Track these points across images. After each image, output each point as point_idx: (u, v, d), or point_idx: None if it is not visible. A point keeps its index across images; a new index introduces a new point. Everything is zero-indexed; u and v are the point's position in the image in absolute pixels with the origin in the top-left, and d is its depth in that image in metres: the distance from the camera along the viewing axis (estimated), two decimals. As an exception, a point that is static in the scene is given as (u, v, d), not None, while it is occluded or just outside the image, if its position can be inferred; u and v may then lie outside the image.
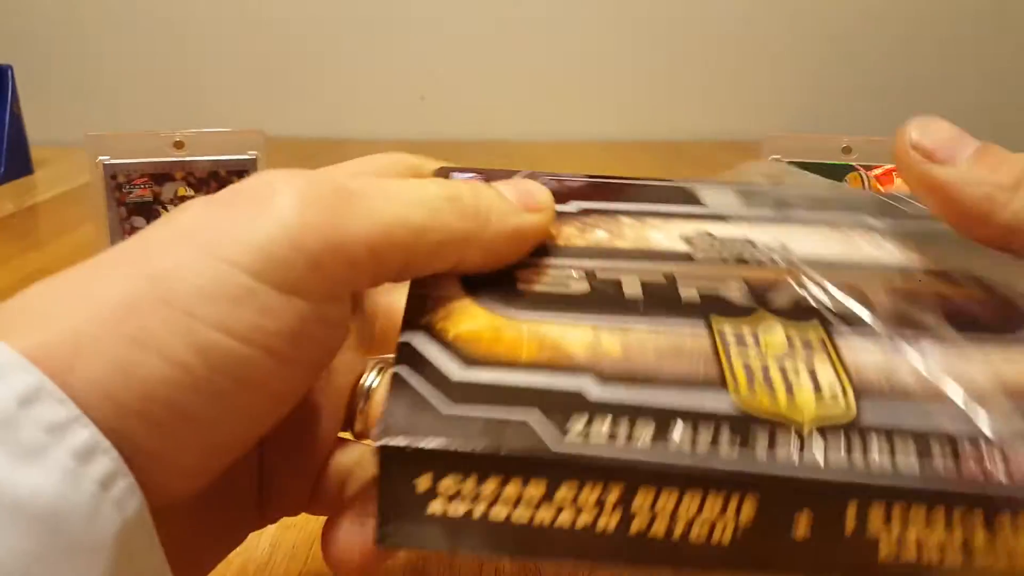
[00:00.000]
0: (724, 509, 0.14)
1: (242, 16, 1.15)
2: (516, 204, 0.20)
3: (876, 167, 0.40)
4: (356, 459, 0.23)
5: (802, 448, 0.15)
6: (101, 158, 0.37)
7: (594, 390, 0.16)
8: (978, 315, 0.18)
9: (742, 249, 0.20)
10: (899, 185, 0.41)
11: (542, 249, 0.20)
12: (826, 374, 0.16)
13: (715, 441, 0.15)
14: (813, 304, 0.18)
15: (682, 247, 0.20)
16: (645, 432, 0.15)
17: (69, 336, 0.15)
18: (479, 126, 1.19)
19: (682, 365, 0.16)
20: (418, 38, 1.17)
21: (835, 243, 0.20)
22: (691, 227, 0.21)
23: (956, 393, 0.16)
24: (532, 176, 0.23)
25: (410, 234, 0.17)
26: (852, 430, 0.15)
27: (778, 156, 0.41)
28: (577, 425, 0.15)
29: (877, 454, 0.14)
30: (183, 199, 0.39)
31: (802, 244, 0.20)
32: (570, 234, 0.21)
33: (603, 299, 0.18)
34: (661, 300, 0.18)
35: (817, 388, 0.16)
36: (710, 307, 0.18)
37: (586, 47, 1.20)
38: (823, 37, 1.22)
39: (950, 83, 1.25)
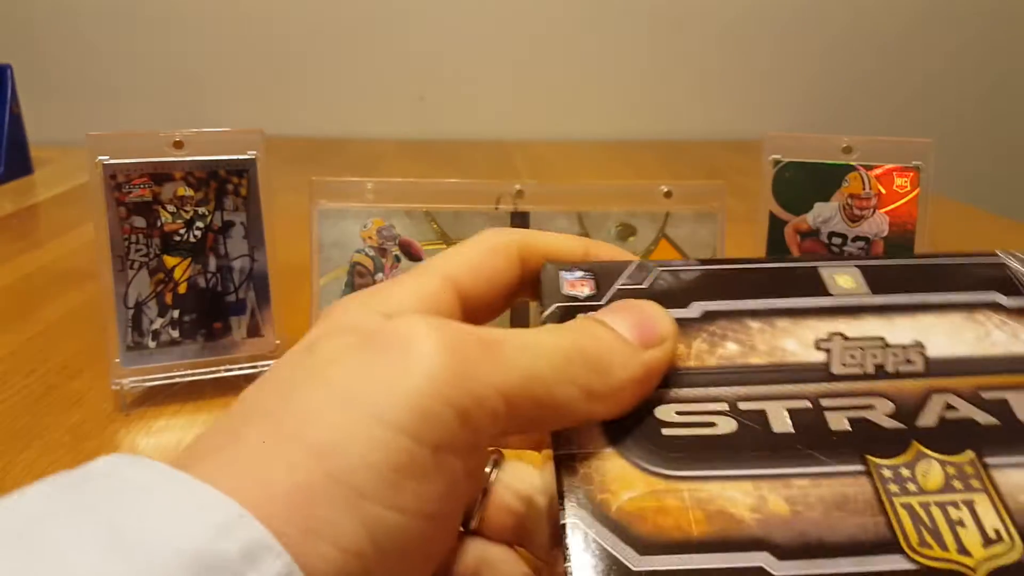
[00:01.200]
0: None
1: (242, 16, 1.14)
2: (636, 342, 0.19)
3: (877, 167, 0.40)
4: (480, 556, 0.21)
5: None
6: (101, 158, 0.37)
7: (774, 567, 0.15)
8: None
9: (879, 355, 0.19)
10: (900, 185, 0.40)
11: (677, 375, 0.19)
12: (986, 510, 0.16)
13: None
14: (963, 425, 0.17)
15: (819, 357, 0.19)
16: None
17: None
18: (479, 126, 1.19)
19: (851, 521, 0.16)
20: (418, 38, 1.17)
21: (970, 337, 0.19)
22: (823, 327, 0.20)
23: None
24: (643, 269, 0.22)
25: (549, 398, 0.17)
26: (1020, 568, 0.15)
27: (778, 156, 0.41)
28: None
29: None
30: (182, 199, 0.39)
31: (937, 342, 0.19)
32: (701, 351, 0.20)
33: (755, 440, 0.18)
34: (813, 435, 0.18)
35: (980, 527, 0.16)
36: (863, 440, 0.17)
37: (586, 47, 1.20)
38: (823, 37, 1.22)
39: (950, 83, 1.25)
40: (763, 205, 0.42)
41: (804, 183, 0.41)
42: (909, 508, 0.16)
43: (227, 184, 0.40)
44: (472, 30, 1.18)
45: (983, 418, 0.18)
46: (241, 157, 0.40)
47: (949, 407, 0.18)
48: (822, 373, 0.19)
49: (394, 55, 1.17)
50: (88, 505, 0.14)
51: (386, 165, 0.99)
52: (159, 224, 0.39)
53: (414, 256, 0.42)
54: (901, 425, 0.18)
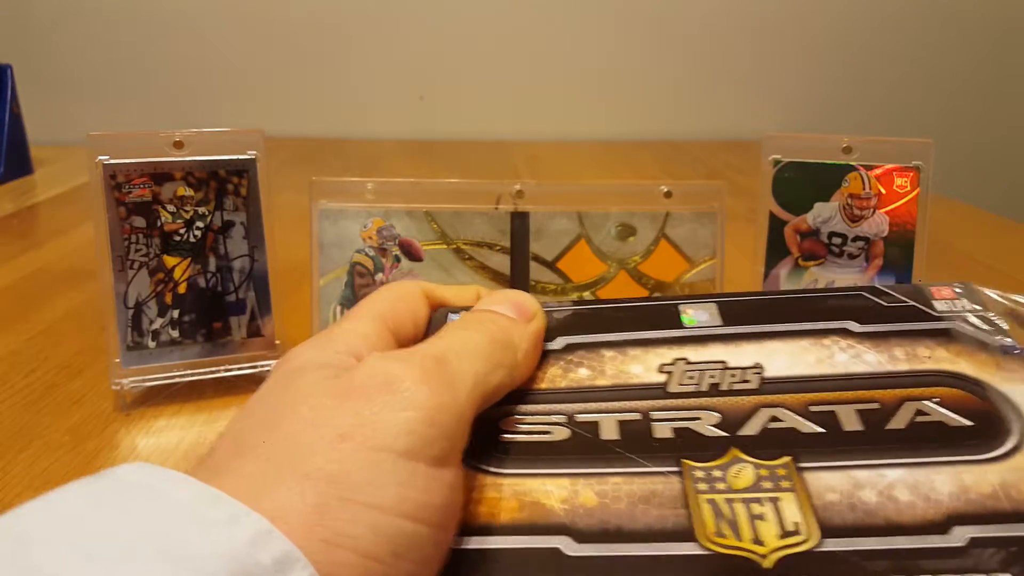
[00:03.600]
0: None
1: (242, 16, 1.14)
2: (521, 319, 0.23)
3: (877, 167, 0.40)
4: None
5: None
6: (101, 158, 0.37)
7: (570, 548, 0.17)
8: (952, 421, 0.19)
9: (716, 376, 0.21)
10: (900, 185, 0.40)
11: (528, 394, 0.22)
12: (790, 507, 0.17)
13: None
14: (785, 433, 0.19)
15: (659, 378, 0.21)
16: None
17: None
18: (478, 126, 1.19)
19: (653, 513, 0.17)
20: (417, 38, 1.17)
21: (811, 359, 0.21)
22: (670, 354, 0.22)
23: (916, 510, 0.17)
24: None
25: (490, 386, 0.21)
26: (812, 562, 0.16)
27: (778, 156, 0.41)
28: None
29: None
30: (182, 199, 0.39)
31: (777, 363, 0.21)
32: (554, 375, 0.22)
33: (582, 445, 0.20)
34: (636, 441, 0.19)
35: (780, 521, 0.17)
36: (683, 445, 0.19)
37: (585, 47, 1.20)
38: (823, 37, 1.22)
39: (950, 83, 1.25)
40: (763, 205, 0.42)
41: (804, 183, 0.41)
42: (712, 503, 0.17)
43: (227, 184, 0.40)
44: (472, 30, 1.18)
45: (807, 428, 0.19)
46: (241, 157, 0.40)
47: (774, 419, 0.19)
48: (659, 391, 0.21)
49: (394, 55, 1.17)
50: (133, 515, 0.15)
51: (386, 165, 0.99)
52: (159, 224, 0.39)
53: (414, 256, 0.42)
54: (723, 434, 0.19)
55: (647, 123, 1.23)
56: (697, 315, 0.23)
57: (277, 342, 0.41)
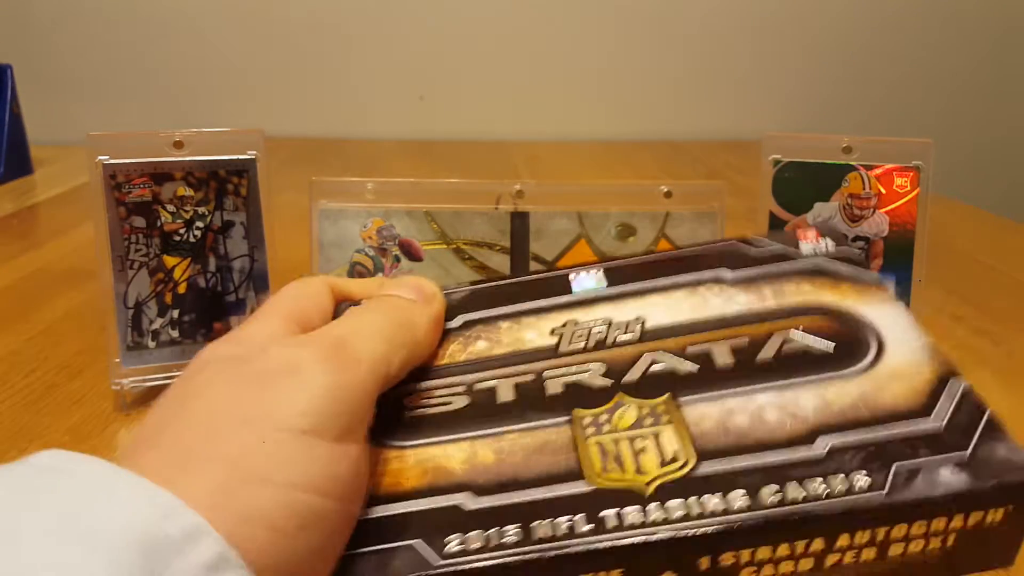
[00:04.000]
0: None
1: (242, 16, 1.14)
2: (420, 301, 0.25)
3: (877, 167, 0.40)
4: None
5: (646, 514, 0.17)
6: (101, 158, 0.37)
7: (470, 502, 0.18)
8: (817, 347, 0.21)
9: (602, 331, 0.23)
10: (900, 185, 0.41)
11: (429, 371, 0.23)
12: (669, 438, 0.19)
13: (572, 526, 0.17)
14: (664, 375, 0.21)
15: (550, 341, 0.23)
16: (512, 535, 0.17)
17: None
18: (478, 126, 1.19)
19: (545, 460, 0.19)
20: (417, 38, 1.17)
21: (687, 306, 0.23)
22: (561, 318, 0.24)
23: (784, 428, 0.18)
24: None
25: (392, 365, 0.22)
26: (690, 485, 0.18)
27: (778, 156, 0.41)
28: (453, 541, 0.17)
29: (713, 502, 0.17)
30: (182, 199, 0.39)
31: (657, 314, 0.23)
32: (454, 351, 0.24)
33: (481, 410, 0.21)
34: (531, 400, 0.21)
35: (660, 452, 0.19)
36: (573, 398, 0.21)
37: (585, 47, 1.20)
38: (823, 37, 1.22)
39: (950, 83, 1.25)
40: (763, 205, 0.42)
41: (804, 183, 0.41)
42: (600, 445, 0.19)
43: (227, 184, 0.40)
44: (472, 30, 1.18)
45: (684, 367, 0.21)
46: (241, 157, 0.40)
47: (654, 363, 0.21)
48: (551, 353, 0.23)
49: (394, 55, 1.17)
50: (39, 495, 0.16)
51: (386, 165, 0.99)
52: (159, 224, 0.39)
53: (414, 256, 0.42)
54: (609, 382, 0.21)
55: (647, 123, 1.23)
56: (585, 280, 0.25)
57: (277, 342, 0.41)
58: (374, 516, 0.19)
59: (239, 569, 0.16)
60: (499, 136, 1.18)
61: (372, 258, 0.42)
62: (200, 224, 0.39)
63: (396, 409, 0.22)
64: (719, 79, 1.22)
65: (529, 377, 0.22)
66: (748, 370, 0.20)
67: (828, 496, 0.17)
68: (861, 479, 0.17)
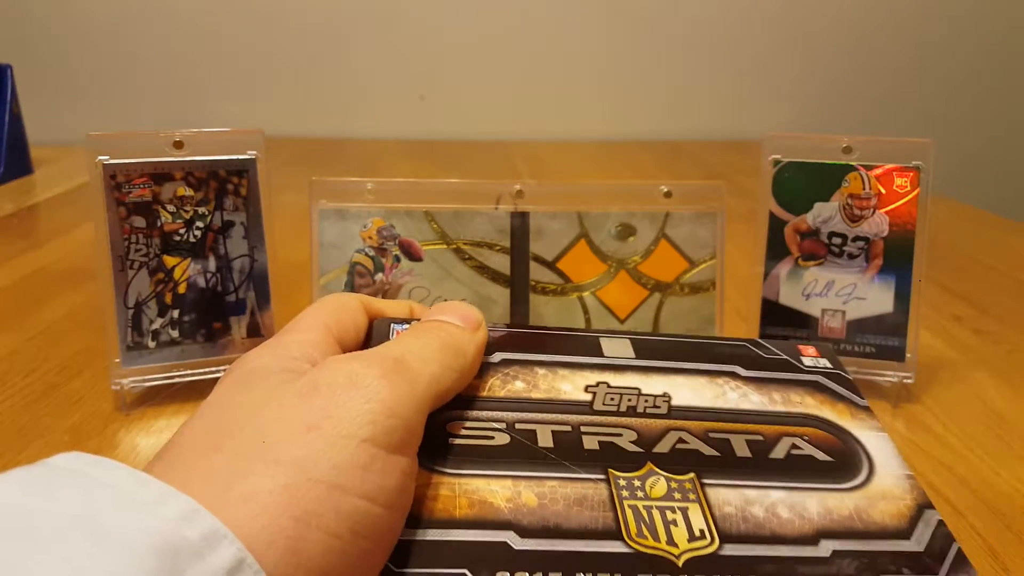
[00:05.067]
0: None
1: (242, 16, 1.14)
2: (468, 328, 0.25)
3: (877, 167, 0.40)
4: None
5: None
6: (101, 158, 0.37)
7: (516, 543, 0.20)
8: (819, 457, 0.24)
9: (634, 400, 0.25)
10: (900, 185, 0.40)
11: (470, 401, 0.25)
12: (696, 517, 0.21)
13: None
14: (690, 453, 0.23)
15: (585, 397, 0.25)
16: None
17: (247, 521, 0.17)
18: (478, 125, 1.19)
19: (585, 514, 0.21)
20: (418, 38, 1.17)
21: (709, 394, 0.26)
22: (594, 377, 0.26)
23: (793, 525, 0.21)
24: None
25: (443, 386, 0.23)
26: (715, 563, 0.20)
27: (778, 156, 0.41)
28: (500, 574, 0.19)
29: None
30: (182, 199, 0.39)
31: (682, 394, 0.26)
32: (493, 385, 0.25)
33: (521, 450, 0.23)
34: (569, 450, 0.23)
35: (689, 527, 0.20)
36: (608, 457, 0.23)
37: (586, 47, 1.20)
38: (823, 37, 1.22)
39: (950, 83, 1.25)
40: (763, 205, 0.42)
41: (804, 183, 0.41)
42: (635, 509, 0.21)
43: (227, 184, 0.40)
44: (472, 30, 1.18)
45: (707, 451, 0.23)
46: (241, 157, 0.40)
47: (681, 440, 0.23)
48: (586, 408, 0.25)
49: (394, 55, 1.17)
50: (61, 499, 0.16)
51: (386, 165, 0.99)
52: (159, 224, 0.39)
53: (414, 256, 0.42)
54: (640, 450, 0.23)
55: (647, 123, 1.23)
56: (615, 348, 0.28)
57: (277, 342, 0.41)
58: (427, 539, 0.20)
59: (257, 573, 0.16)
60: (499, 136, 1.18)
61: (372, 258, 0.42)
62: (200, 224, 0.39)
63: (441, 434, 0.24)
64: (719, 79, 1.22)
65: (566, 428, 0.24)
66: (762, 465, 0.23)
67: None
68: None
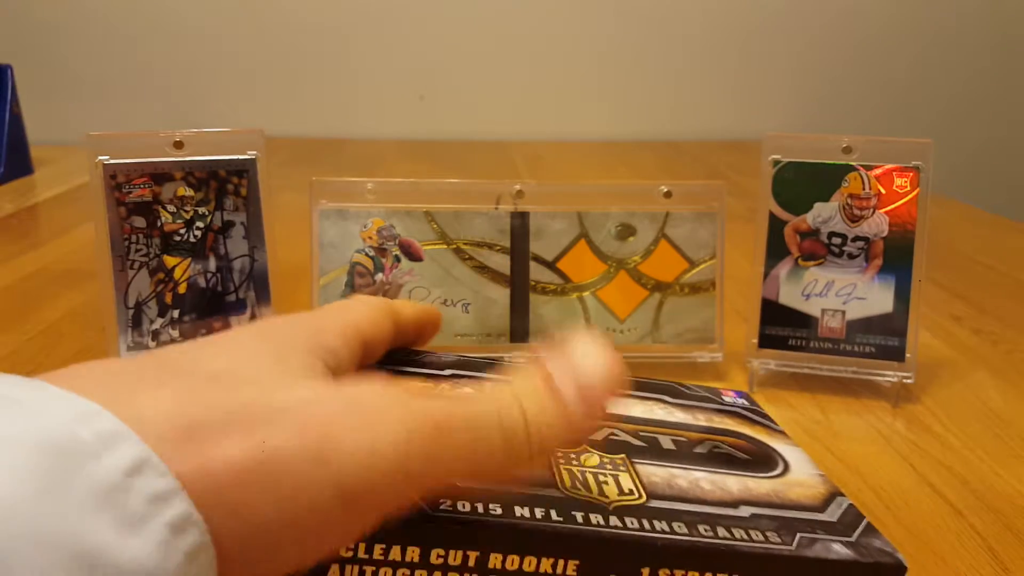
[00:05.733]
0: (554, 569, 0.20)
1: (242, 17, 1.15)
2: (567, 416, 0.20)
3: (876, 167, 0.40)
4: None
5: (607, 521, 0.21)
6: (101, 158, 0.37)
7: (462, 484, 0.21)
8: (738, 455, 0.27)
9: None
10: (899, 185, 0.41)
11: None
12: (626, 480, 0.23)
13: (546, 515, 0.21)
14: (621, 443, 0.26)
15: None
16: (496, 511, 0.20)
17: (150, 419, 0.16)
18: (478, 126, 1.19)
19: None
20: (417, 38, 1.17)
21: (638, 408, 0.29)
22: None
23: (715, 494, 0.24)
24: (432, 357, 0.28)
25: (478, 465, 0.20)
26: (642, 511, 0.22)
27: (778, 156, 0.41)
28: (443, 506, 0.20)
29: (660, 525, 0.21)
30: (182, 199, 0.39)
31: (614, 407, 0.27)
32: (443, 389, 0.27)
33: None
34: None
35: (619, 486, 0.23)
36: None
37: (586, 47, 1.20)
38: (822, 37, 1.22)
39: (949, 82, 1.25)
40: (763, 205, 0.42)
41: (804, 183, 0.41)
42: (570, 471, 0.23)
43: (227, 184, 0.40)
44: (471, 30, 1.18)
45: (636, 442, 0.26)
46: (241, 157, 0.40)
47: (613, 435, 0.26)
48: None
49: (394, 55, 1.18)
50: None
51: (386, 165, 0.99)
52: (159, 224, 0.39)
53: (414, 256, 0.42)
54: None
55: (647, 123, 1.23)
56: None
57: (277, 342, 0.41)
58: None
59: (162, 475, 0.15)
60: (499, 136, 1.18)
61: (372, 258, 0.42)
62: (200, 224, 0.39)
63: None
64: (719, 79, 1.22)
65: None
66: (686, 456, 0.26)
67: (749, 540, 0.22)
68: (773, 537, 0.22)
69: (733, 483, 0.24)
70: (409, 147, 1.11)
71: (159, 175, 0.38)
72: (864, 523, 0.24)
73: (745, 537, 0.21)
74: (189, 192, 0.39)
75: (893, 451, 0.37)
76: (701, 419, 0.29)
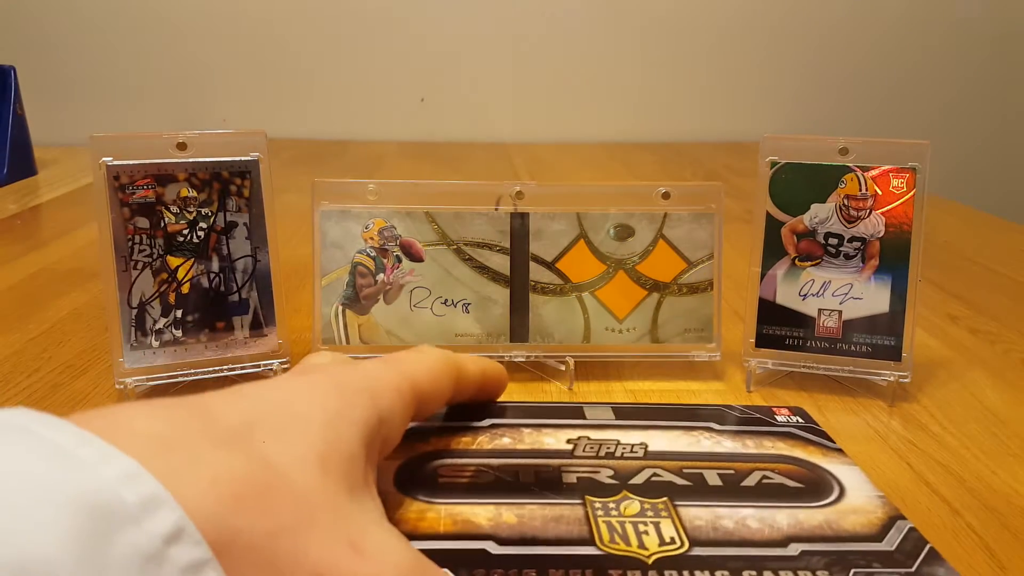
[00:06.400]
0: None
1: (245, 19, 1.15)
2: None
3: (873, 168, 0.41)
4: None
5: (646, 575, 0.20)
6: (104, 159, 0.38)
7: (495, 549, 0.21)
8: (790, 485, 0.25)
9: (612, 447, 0.27)
10: (896, 186, 0.41)
11: (459, 453, 0.26)
12: (667, 527, 0.22)
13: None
14: (664, 484, 0.25)
15: (567, 447, 0.27)
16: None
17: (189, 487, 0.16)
18: (478, 127, 1.20)
19: (562, 527, 0.22)
20: (418, 41, 1.18)
21: (684, 441, 0.28)
22: (576, 433, 0.28)
23: (763, 533, 0.22)
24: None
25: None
26: (684, 561, 0.21)
27: (775, 157, 0.42)
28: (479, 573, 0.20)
29: (703, 574, 0.20)
30: (186, 200, 0.39)
31: (658, 443, 0.28)
32: (481, 441, 0.27)
33: (505, 485, 0.25)
34: (549, 484, 0.25)
35: (660, 535, 0.22)
36: (586, 488, 0.24)
37: (585, 50, 1.20)
38: (819, 40, 1.22)
39: (945, 84, 1.25)
40: (760, 206, 0.42)
41: (801, 184, 0.42)
42: (608, 524, 0.22)
43: (230, 185, 0.40)
44: (472, 33, 1.18)
45: (680, 481, 0.25)
46: (244, 159, 0.40)
47: (655, 475, 0.25)
48: (567, 454, 0.27)
49: (395, 58, 1.18)
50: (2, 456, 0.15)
51: (387, 166, 1.00)
52: (162, 225, 0.39)
53: (415, 256, 0.42)
54: (617, 482, 0.25)
55: (645, 125, 1.23)
56: (598, 413, 0.30)
57: (279, 341, 0.42)
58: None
59: (197, 543, 0.15)
60: (499, 138, 1.18)
61: (373, 258, 0.42)
62: (203, 225, 0.40)
63: (430, 476, 0.25)
64: (717, 82, 1.23)
65: (548, 469, 0.26)
66: (734, 492, 0.24)
67: None
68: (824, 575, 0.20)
69: (783, 518, 0.23)
70: (410, 148, 1.11)
71: (162, 176, 0.39)
72: (927, 549, 0.22)
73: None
74: (192, 193, 0.39)
75: (890, 450, 0.37)
76: (751, 445, 0.28)
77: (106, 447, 0.16)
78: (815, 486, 0.25)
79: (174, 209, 0.39)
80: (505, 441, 0.27)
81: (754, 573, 0.20)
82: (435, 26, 1.17)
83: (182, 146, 0.39)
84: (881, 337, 0.41)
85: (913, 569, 0.21)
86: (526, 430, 0.28)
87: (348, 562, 0.17)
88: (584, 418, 0.30)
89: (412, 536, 0.22)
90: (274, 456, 0.18)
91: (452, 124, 1.20)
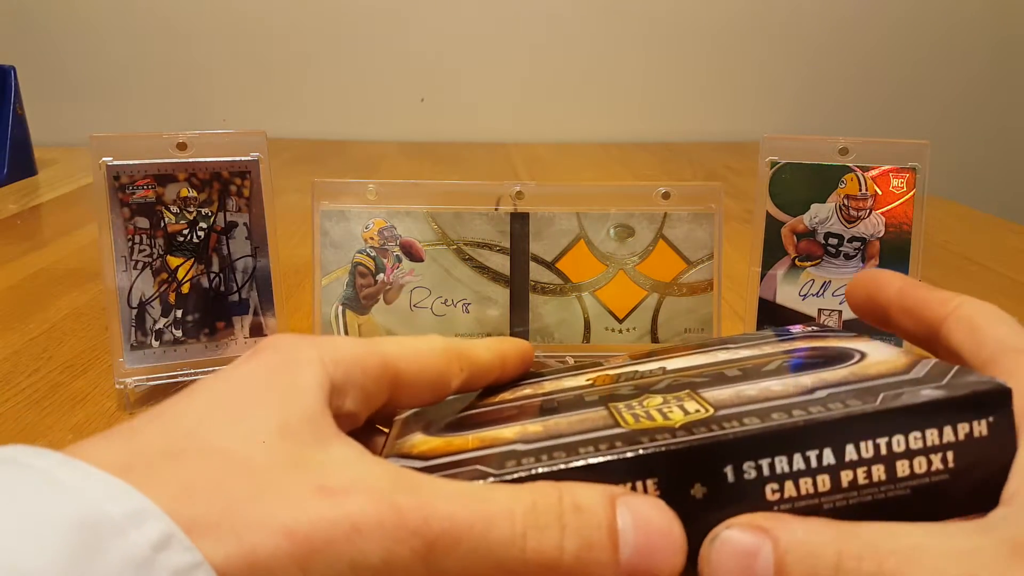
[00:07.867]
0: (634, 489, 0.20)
1: (244, 19, 1.15)
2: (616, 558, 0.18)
3: (873, 168, 0.41)
4: None
5: (675, 435, 0.20)
6: (104, 159, 0.38)
7: (521, 447, 0.21)
8: (810, 360, 0.25)
9: (631, 375, 0.27)
10: (896, 186, 0.41)
11: (483, 404, 0.27)
12: (692, 404, 0.22)
13: (612, 446, 0.20)
14: (684, 383, 0.25)
15: (586, 383, 0.28)
16: (560, 455, 0.20)
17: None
18: (478, 127, 1.20)
19: (587, 425, 0.22)
20: (418, 41, 1.18)
21: (701, 358, 0.28)
22: (594, 374, 0.29)
23: (788, 390, 0.22)
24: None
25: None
26: (711, 420, 0.21)
27: (775, 157, 0.42)
28: (510, 463, 0.20)
29: (730, 425, 0.20)
30: (186, 200, 0.39)
31: (675, 364, 0.28)
32: (504, 396, 0.27)
33: (529, 412, 0.25)
34: (572, 404, 0.25)
35: (684, 410, 0.22)
36: (608, 398, 0.25)
37: (585, 49, 1.20)
38: (819, 39, 1.22)
39: (946, 84, 1.25)
40: (760, 206, 0.42)
41: (801, 184, 0.42)
42: (633, 414, 0.22)
43: (230, 185, 0.40)
44: (472, 33, 1.18)
45: (700, 379, 0.25)
46: (244, 158, 0.40)
47: (677, 380, 0.25)
48: (588, 386, 0.27)
49: (395, 58, 1.18)
50: None
51: (387, 166, 1.00)
52: (162, 225, 0.39)
53: (415, 256, 0.42)
54: (638, 391, 0.25)
55: (645, 125, 1.23)
56: (615, 362, 0.30)
57: (279, 341, 0.42)
58: (439, 462, 0.22)
59: (188, 549, 0.16)
60: (499, 138, 1.18)
61: (373, 258, 0.42)
62: (203, 225, 0.40)
63: (456, 421, 0.26)
64: (717, 82, 1.23)
65: (569, 396, 0.26)
66: (755, 375, 0.24)
67: (828, 411, 0.20)
68: (854, 402, 0.20)
69: (806, 379, 0.23)
70: (410, 148, 1.11)
71: (162, 176, 0.39)
72: (955, 368, 0.21)
73: (823, 410, 0.20)
74: (192, 193, 0.39)
75: (889, 449, 0.37)
76: (768, 349, 0.27)
77: (89, 469, 0.16)
78: (836, 357, 0.25)
79: (174, 209, 0.39)
80: (526, 391, 0.28)
81: (782, 413, 0.20)
82: (435, 26, 1.17)
83: (182, 146, 0.39)
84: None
85: (944, 381, 0.20)
86: (547, 382, 0.28)
87: (316, 505, 0.17)
88: (600, 365, 0.30)
89: (438, 455, 0.22)
90: (221, 441, 0.18)
91: (452, 124, 1.20)
